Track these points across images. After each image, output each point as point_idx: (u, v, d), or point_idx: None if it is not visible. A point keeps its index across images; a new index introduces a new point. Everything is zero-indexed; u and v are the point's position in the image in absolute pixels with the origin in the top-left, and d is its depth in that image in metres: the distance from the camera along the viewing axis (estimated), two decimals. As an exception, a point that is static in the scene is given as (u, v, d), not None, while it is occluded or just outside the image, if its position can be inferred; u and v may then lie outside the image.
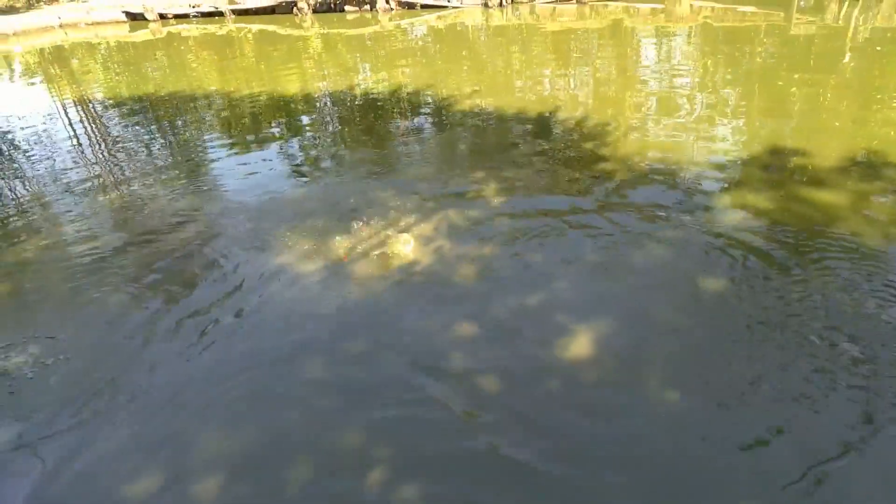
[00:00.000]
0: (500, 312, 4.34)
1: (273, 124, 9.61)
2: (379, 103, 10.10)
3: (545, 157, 6.91)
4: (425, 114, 9.28)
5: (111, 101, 12.59)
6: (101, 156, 9.06)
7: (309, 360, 4.07)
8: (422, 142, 8.10)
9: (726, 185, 5.85)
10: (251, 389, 3.87)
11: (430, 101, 9.92)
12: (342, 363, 4.02)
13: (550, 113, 8.54)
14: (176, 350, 4.30)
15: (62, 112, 12.12)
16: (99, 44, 21.14)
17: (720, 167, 6.24)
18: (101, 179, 7.96)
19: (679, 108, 8.31)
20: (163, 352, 4.30)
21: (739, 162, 6.37)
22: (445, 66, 12.69)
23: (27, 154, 9.55)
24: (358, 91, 11.17)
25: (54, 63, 18.40)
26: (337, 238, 5.44)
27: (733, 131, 7.32)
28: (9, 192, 8.03)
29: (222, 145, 8.72)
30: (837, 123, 7.29)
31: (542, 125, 8.08)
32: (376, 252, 5.18)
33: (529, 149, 7.22)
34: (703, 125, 7.54)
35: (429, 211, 5.86)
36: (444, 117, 8.93)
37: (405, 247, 5.13)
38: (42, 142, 10.07)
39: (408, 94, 10.46)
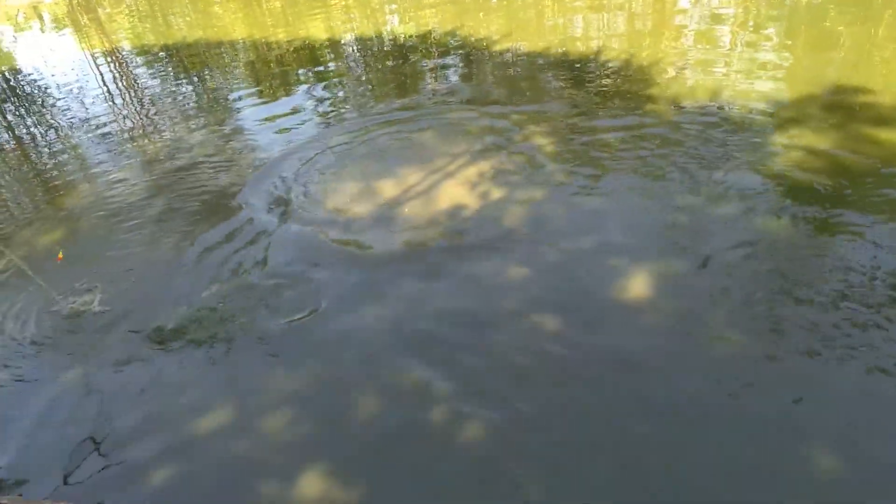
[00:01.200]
0: (553, 256, 4.20)
1: (298, 70, 9.37)
2: (408, 47, 9.74)
3: (589, 97, 6.56)
4: (457, 56, 8.91)
5: (138, 50, 12.46)
6: (129, 104, 9.00)
7: (369, 303, 4.00)
8: (454, 85, 7.78)
9: (780, 122, 5.47)
10: (308, 329, 3.86)
11: (462, 43, 9.51)
12: (407, 306, 3.94)
13: (593, 55, 8.12)
14: (227, 287, 4.32)
15: (91, 61, 12.06)
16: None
17: (772, 103, 5.83)
18: (131, 126, 7.92)
19: (726, 45, 7.80)
20: (211, 289, 4.33)
21: (792, 99, 5.95)
22: (476, 6, 12.16)
23: (58, 102, 9.57)
24: (386, 35, 10.80)
25: (83, 12, 18.29)
26: (382, 182, 5.33)
27: (781, 67, 6.84)
28: (42, 140, 8.07)
29: (248, 93, 8.55)
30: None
31: (583, 66, 7.69)
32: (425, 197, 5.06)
33: (570, 90, 6.87)
34: (751, 64, 7.06)
35: (472, 154, 5.66)
36: (478, 60, 8.56)
37: None
38: (72, 90, 10.06)
39: (436, 37, 10.06)
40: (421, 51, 9.26)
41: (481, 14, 10.95)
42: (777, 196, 4.43)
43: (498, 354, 3.46)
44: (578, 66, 7.50)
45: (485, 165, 5.44)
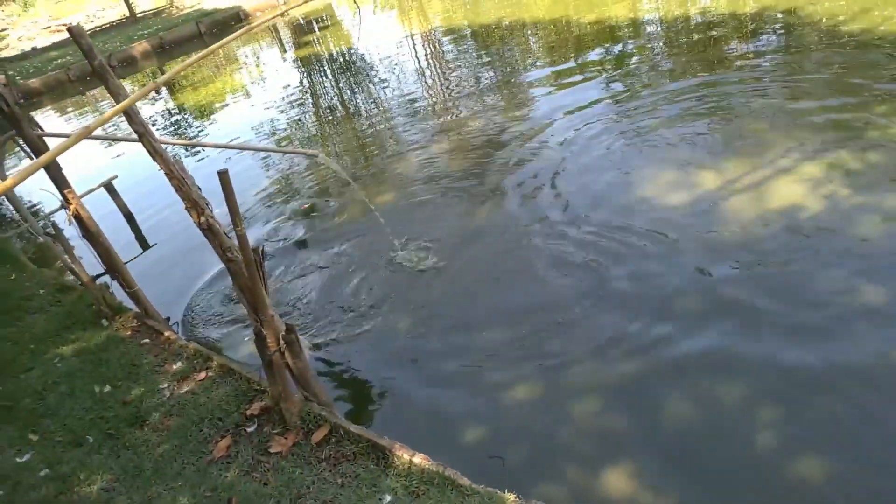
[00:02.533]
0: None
1: (597, 50, 8.98)
2: (718, 24, 8.64)
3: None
4: (778, 35, 7.61)
5: (450, 30, 13.34)
6: (438, 80, 9.68)
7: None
8: (776, 72, 6.64)
9: None
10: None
11: (786, 20, 8.11)
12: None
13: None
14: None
15: (410, 41, 13.29)
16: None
17: None
18: (437, 100, 8.48)
19: None
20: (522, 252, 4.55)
21: None
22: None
23: (381, 78, 10.73)
24: (696, 14, 9.77)
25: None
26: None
27: None
28: (364, 112, 9.12)
29: (546, 72, 8.48)
30: None
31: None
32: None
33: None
34: None
35: (809, 150, 4.81)
36: (802, 41, 7.20)
37: None
38: (392, 68, 11.19)
39: (752, 13, 8.74)
40: (733, 27, 8.13)
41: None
42: None
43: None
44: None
45: (824, 161, 4.52)
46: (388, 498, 2.61)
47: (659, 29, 9.41)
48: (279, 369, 2.98)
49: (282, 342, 2.90)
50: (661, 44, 8.66)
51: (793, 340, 3.22)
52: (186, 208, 2.58)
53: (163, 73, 17.86)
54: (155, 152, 2.48)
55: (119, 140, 6.28)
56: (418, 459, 2.75)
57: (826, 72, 6.10)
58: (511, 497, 2.51)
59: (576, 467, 2.87)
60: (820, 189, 4.29)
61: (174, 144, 7.07)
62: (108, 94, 2.41)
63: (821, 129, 5.05)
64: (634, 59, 8.16)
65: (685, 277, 3.86)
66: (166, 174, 2.50)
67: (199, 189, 2.58)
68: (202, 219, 2.56)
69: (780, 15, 8.32)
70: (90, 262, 4.59)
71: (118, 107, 2.05)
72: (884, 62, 5.99)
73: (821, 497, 2.51)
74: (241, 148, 6.68)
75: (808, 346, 3.16)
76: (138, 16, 26.48)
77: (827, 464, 2.60)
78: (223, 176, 2.34)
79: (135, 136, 2.50)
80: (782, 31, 7.77)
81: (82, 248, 4.42)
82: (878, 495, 2.47)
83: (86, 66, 17.94)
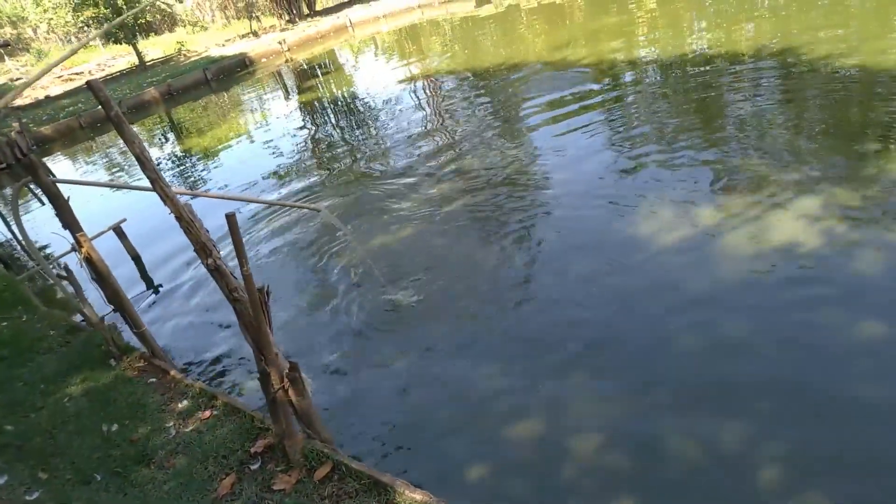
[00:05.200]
0: None
1: (593, 95, 9.22)
2: (717, 71, 8.90)
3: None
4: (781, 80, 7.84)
5: (447, 73, 13.71)
6: (436, 120, 9.94)
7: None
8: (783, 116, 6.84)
9: None
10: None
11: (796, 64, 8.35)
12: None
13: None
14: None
15: (409, 84, 13.66)
16: (446, 20, 23.29)
17: None
18: (435, 141, 8.70)
19: None
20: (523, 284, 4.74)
21: None
22: (804, 18, 10.62)
23: (378, 119, 11.02)
24: (693, 55, 10.05)
25: (408, 40, 20.90)
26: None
27: None
28: (364, 150, 9.34)
29: (541, 113, 8.71)
30: None
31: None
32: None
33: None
34: None
35: (810, 185, 4.97)
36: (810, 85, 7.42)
37: None
38: (395, 107, 11.48)
39: (757, 55, 9.00)
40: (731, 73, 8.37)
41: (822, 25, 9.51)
42: None
43: None
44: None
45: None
46: (390, 533, 2.65)
47: (656, 71, 9.68)
48: (283, 407, 3.05)
49: (285, 380, 2.98)
50: (656, 84, 8.90)
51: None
52: (195, 250, 2.69)
53: (170, 118, 18.30)
54: (166, 197, 2.61)
55: (132, 188, 6.44)
56: (419, 496, 2.79)
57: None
58: (511, 531, 2.55)
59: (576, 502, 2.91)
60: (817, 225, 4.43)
61: (183, 194, 7.26)
62: (122, 141, 2.56)
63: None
64: (630, 99, 8.39)
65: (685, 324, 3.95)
66: (176, 217, 2.63)
67: (207, 232, 2.71)
68: (209, 260, 2.68)
69: (775, 51, 8.58)
70: (98, 303, 4.70)
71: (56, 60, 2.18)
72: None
73: None
74: (248, 200, 6.87)
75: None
76: (147, 64, 27.23)
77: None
78: (231, 218, 2.46)
79: (146, 184, 2.64)
80: (780, 70, 7.99)
81: (90, 290, 4.54)
82: None
83: (96, 112, 18.45)
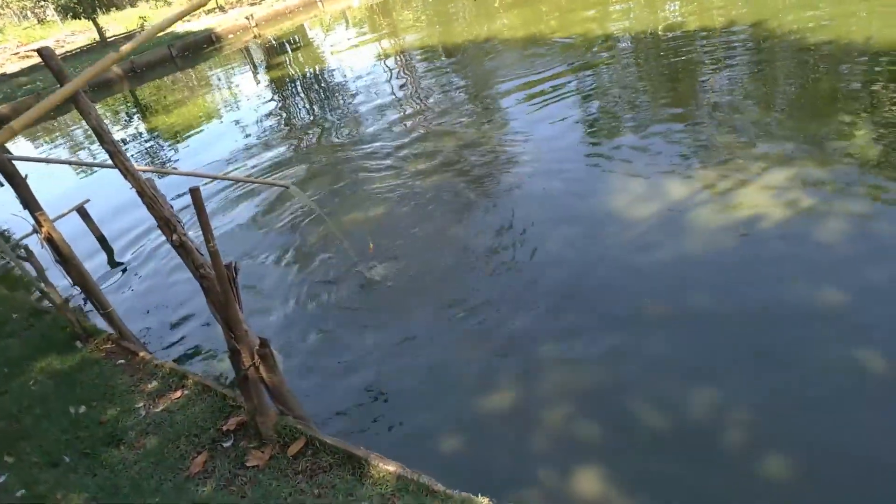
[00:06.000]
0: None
1: (565, 69, 9.19)
2: (689, 43, 8.92)
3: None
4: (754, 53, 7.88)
5: (419, 48, 13.54)
6: (407, 96, 9.82)
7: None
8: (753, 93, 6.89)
9: None
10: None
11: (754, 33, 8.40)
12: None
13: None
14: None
15: (380, 60, 13.46)
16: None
17: None
18: (409, 114, 8.61)
19: None
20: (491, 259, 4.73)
21: None
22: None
23: (349, 95, 10.85)
24: (663, 30, 10.07)
25: (379, 14, 20.56)
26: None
27: None
28: (334, 125, 9.20)
29: (515, 88, 8.67)
30: None
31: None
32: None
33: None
34: None
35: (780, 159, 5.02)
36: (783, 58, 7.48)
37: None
38: (366, 83, 11.31)
39: (725, 31, 9.04)
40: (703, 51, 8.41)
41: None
42: None
43: None
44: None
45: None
46: (365, 506, 2.66)
47: (629, 44, 9.67)
48: (254, 384, 3.03)
49: (256, 357, 2.95)
50: (630, 59, 8.91)
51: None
52: (159, 226, 2.63)
53: (135, 96, 17.80)
54: (127, 171, 2.53)
55: (92, 165, 6.25)
56: (393, 468, 2.80)
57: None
58: (485, 501, 2.57)
59: (549, 471, 2.95)
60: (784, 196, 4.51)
61: (147, 171, 7.07)
62: (81, 116, 2.47)
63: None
64: (604, 74, 8.39)
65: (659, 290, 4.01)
66: (138, 193, 2.56)
67: (171, 207, 2.64)
68: (174, 236, 2.62)
69: (748, 28, 8.63)
70: (63, 286, 4.58)
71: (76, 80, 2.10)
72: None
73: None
74: (213, 177, 6.71)
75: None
76: (109, 40, 26.36)
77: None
78: (195, 193, 2.40)
79: (108, 161, 2.56)
80: (751, 44, 8.04)
81: (54, 272, 4.42)
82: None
83: (56, 90, 17.78)
